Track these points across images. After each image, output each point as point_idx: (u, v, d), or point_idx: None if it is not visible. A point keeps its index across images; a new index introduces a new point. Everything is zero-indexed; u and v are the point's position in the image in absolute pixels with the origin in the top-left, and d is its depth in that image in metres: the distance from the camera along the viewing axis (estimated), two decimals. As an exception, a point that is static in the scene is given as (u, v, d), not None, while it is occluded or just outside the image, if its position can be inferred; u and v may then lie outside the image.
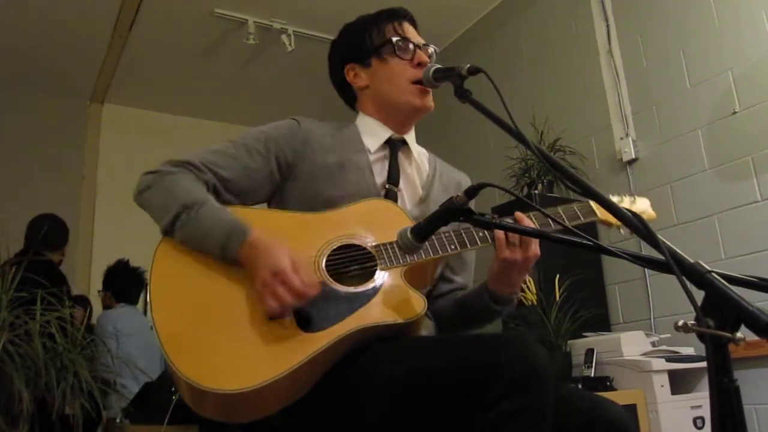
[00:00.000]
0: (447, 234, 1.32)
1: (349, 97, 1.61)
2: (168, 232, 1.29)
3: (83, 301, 4.50)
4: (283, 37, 4.46)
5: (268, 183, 1.43)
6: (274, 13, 4.39)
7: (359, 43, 1.53)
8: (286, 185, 1.44)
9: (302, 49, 4.52)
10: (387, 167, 1.49)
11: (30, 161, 4.92)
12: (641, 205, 1.53)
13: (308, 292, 1.18)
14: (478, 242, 1.33)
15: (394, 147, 1.51)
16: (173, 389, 2.29)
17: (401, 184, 1.49)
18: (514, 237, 1.30)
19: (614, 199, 1.48)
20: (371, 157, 1.49)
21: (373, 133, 1.52)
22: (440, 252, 1.31)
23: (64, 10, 4.18)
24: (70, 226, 4.99)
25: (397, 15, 1.53)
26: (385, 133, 1.51)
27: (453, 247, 1.32)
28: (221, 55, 4.81)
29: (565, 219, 1.39)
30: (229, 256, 1.24)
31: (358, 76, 1.55)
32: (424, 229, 1.17)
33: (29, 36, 4.46)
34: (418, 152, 1.58)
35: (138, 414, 2.73)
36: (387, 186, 1.46)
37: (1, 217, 4.23)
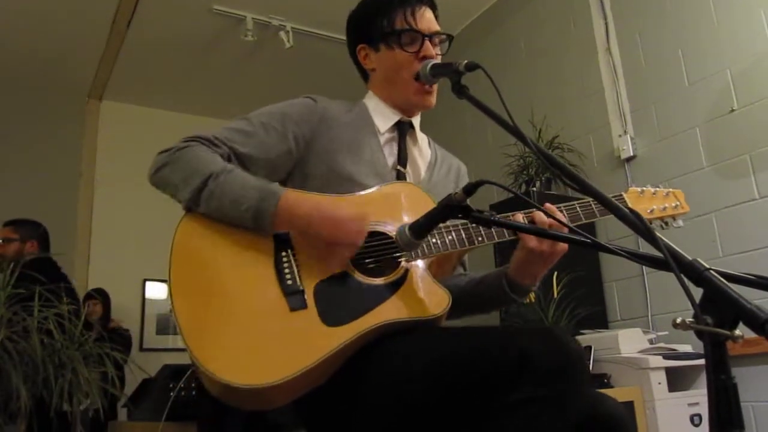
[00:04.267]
0: (474, 225, 1.29)
1: (364, 74, 1.61)
2: (192, 204, 1.26)
3: (102, 295, 4.49)
4: (282, 34, 4.45)
5: (286, 160, 1.41)
6: (272, 10, 4.39)
7: (370, 25, 1.50)
8: (306, 161, 1.42)
9: (300, 46, 4.51)
10: (396, 149, 1.49)
11: (28, 158, 4.92)
12: (676, 198, 1.49)
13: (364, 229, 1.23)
14: (506, 234, 1.31)
15: (403, 129, 1.52)
16: (171, 385, 2.29)
17: (408, 166, 1.49)
18: (544, 227, 1.27)
19: (650, 190, 1.46)
20: (381, 138, 1.49)
21: (383, 114, 1.52)
22: (467, 244, 1.29)
23: (62, 6, 4.17)
24: (68, 223, 5.02)
25: (410, 0, 1.49)
26: (395, 115, 1.51)
27: (480, 239, 1.30)
28: (219, 51, 4.81)
29: (582, 217, 1.37)
30: (264, 218, 1.22)
31: (368, 58, 1.54)
32: (422, 226, 1.16)
33: (27, 33, 4.45)
34: (421, 137, 1.58)
35: (136, 410, 2.74)
36: (398, 168, 1.46)
37: (0, 214, 4.22)
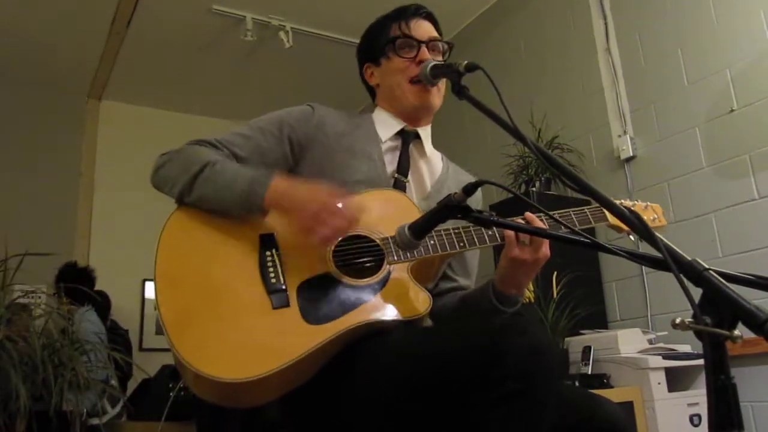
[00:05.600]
0: (456, 231, 1.32)
1: (372, 96, 1.65)
2: (186, 191, 1.29)
3: (101, 296, 4.46)
4: (281, 34, 4.45)
5: (282, 164, 1.44)
6: (272, 10, 4.39)
7: (372, 45, 1.57)
8: (299, 168, 1.45)
9: (300, 46, 4.51)
10: (398, 157, 1.50)
11: (28, 158, 4.91)
12: (654, 212, 1.51)
13: (356, 216, 1.23)
14: (487, 240, 1.32)
15: (407, 139, 1.53)
16: (171, 385, 2.29)
17: (410, 176, 1.50)
18: (525, 236, 1.29)
19: (627, 203, 1.46)
20: (383, 147, 1.51)
21: (386, 123, 1.54)
22: (448, 249, 1.30)
23: (62, 6, 4.17)
24: (67, 223, 5.02)
25: (404, 13, 1.54)
26: (399, 124, 1.53)
27: (462, 244, 1.31)
28: (219, 51, 4.81)
29: (576, 223, 1.38)
30: (255, 201, 1.25)
31: (373, 75, 1.59)
32: (422, 227, 1.17)
33: (27, 32, 4.45)
34: (432, 151, 1.60)
35: (136, 410, 2.74)
36: (396, 176, 1.47)
37: (0, 214, 4.23)
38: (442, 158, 1.64)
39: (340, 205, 1.21)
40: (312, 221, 1.21)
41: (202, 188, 1.28)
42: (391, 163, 1.49)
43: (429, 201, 1.49)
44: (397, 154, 1.51)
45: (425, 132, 1.57)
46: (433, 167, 1.58)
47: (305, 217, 1.22)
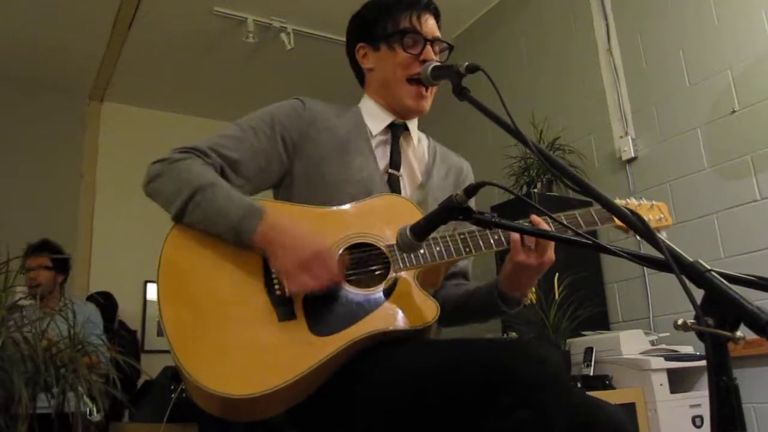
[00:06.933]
0: (462, 236, 1.30)
1: (359, 75, 1.60)
2: (180, 216, 1.26)
3: (104, 298, 4.43)
4: (283, 36, 4.45)
5: (277, 164, 1.41)
6: (273, 12, 4.39)
7: (373, 25, 1.50)
8: (293, 167, 1.42)
9: (301, 48, 4.51)
10: (389, 152, 1.48)
11: (29, 159, 4.92)
12: (660, 211, 1.50)
13: (340, 278, 1.22)
14: (494, 245, 1.31)
15: (396, 131, 1.51)
16: (172, 387, 2.29)
17: (402, 169, 1.48)
18: (531, 240, 1.28)
19: (633, 202, 1.46)
20: (373, 141, 1.49)
21: (376, 116, 1.51)
22: (454, 255, 1.29)
23: (63, 8, 4.17)
24: (69, 224, 5.02)
25: (417, 5, 1.48)
26: (388, 117, 1.51)
27: (468, 249, 1.30)
28: (220, 53, 4.81)
29: (582, 224, 1.37)
30: (244, 237, 1.22)
31: (366, 57, 1.54)
32: (423, 228, 1.16)
33: (29, 34, 4.45)
34: (418, 137, 1.57)
35: (137, 412, 2.74)
36: (390, 171, 1.46)
37: (1, 215, 4.23)
38: (428, 144, 1.61)
39: (333, 262, 1.20)
40: (298, 268, 1.19)
41: (194, 215, 1.25)
42: (382, 158, 1.47)
43: (422, 190, 1.48)
44: (388, 148, 1.49)
45: (413, 122, 1.55)
46: (420, 155, 1.55)
47: (289, 261, 1.20)
